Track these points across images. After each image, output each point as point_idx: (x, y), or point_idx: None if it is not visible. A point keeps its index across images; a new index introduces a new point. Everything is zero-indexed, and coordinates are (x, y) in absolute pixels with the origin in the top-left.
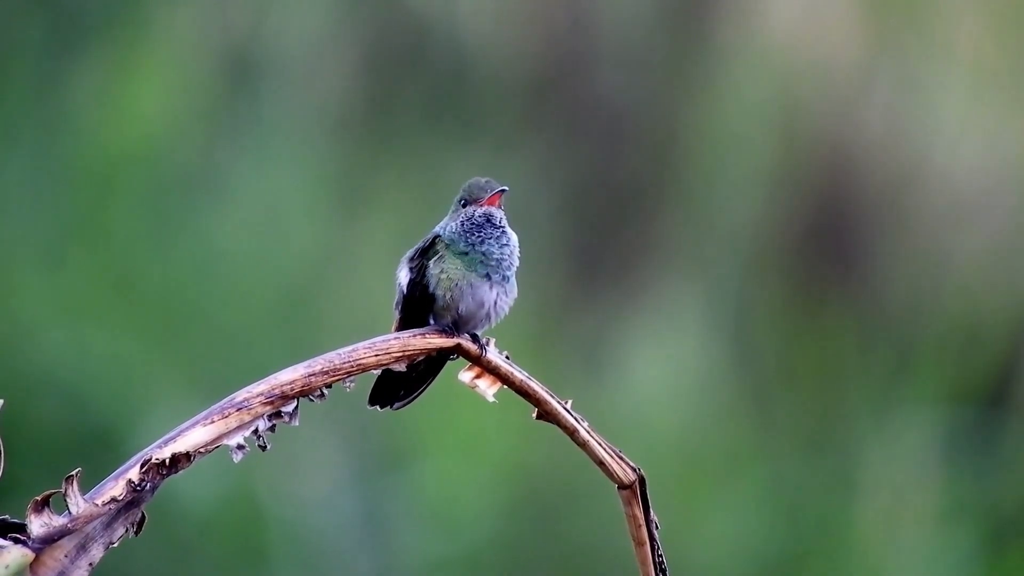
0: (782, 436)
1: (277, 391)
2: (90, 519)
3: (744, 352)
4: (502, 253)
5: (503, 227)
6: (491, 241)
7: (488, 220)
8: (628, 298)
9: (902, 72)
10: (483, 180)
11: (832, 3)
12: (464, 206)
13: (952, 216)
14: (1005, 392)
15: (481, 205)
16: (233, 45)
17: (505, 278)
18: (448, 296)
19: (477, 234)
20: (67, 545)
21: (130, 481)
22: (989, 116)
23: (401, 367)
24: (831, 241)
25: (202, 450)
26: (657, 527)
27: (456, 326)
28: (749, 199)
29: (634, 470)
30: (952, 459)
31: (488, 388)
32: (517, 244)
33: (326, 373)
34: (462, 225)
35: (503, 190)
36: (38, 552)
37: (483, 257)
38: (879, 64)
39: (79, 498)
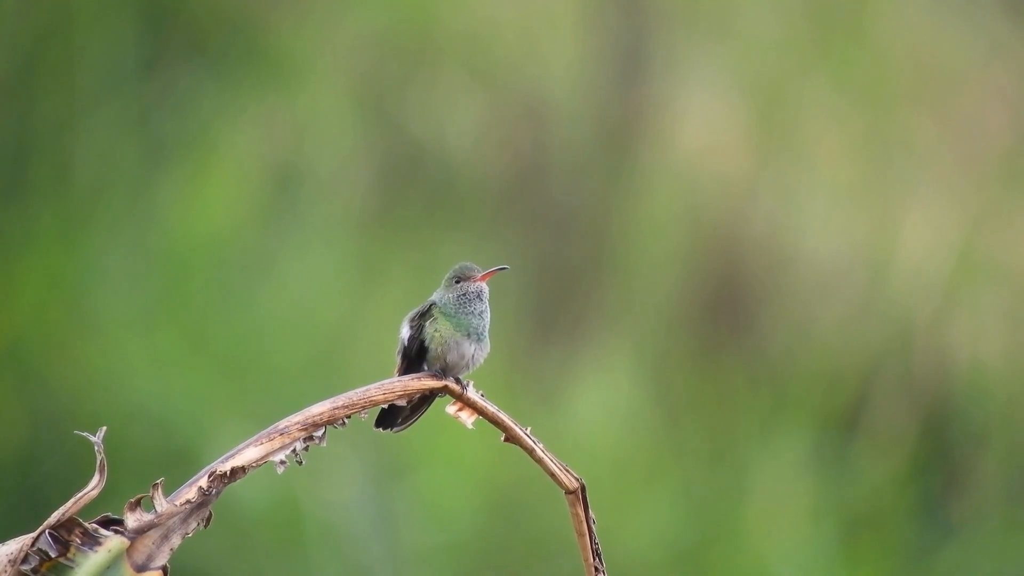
0: (690, 453)
1: (310, 420)
2: (171, 516)
3: (661, 390)
4: (480, 322)
5: (486, 302)
6: (475, 315)
7: (478, 296)
8: (575, 350)
9: (780, 182)
10: (469, 263)
11: (727, 130)
12: (457, 283)
13: (817, 289)
14: (855, 421)
15: (475, 281)
16: (279, 161)
17: (480, 338)
18: (439, 349)
19: (468, 307)
20: (154, 535)
21: (200, 487)
22: (843, 215)
23: (402, 402)
24: (727, 308)
25: (254, 464)
26: (594, 522)
27: (444, 371)
28: (665, 277)
29: (577, 479)
30: (817, 470)
31: (468, 418)
32: (489, 313)
33: (347, 407)
34: (458, 298)
35: (504, 268)
36: (132, 540)
37: (468, 324)
38: (762, 176)
39: (163, 500)
